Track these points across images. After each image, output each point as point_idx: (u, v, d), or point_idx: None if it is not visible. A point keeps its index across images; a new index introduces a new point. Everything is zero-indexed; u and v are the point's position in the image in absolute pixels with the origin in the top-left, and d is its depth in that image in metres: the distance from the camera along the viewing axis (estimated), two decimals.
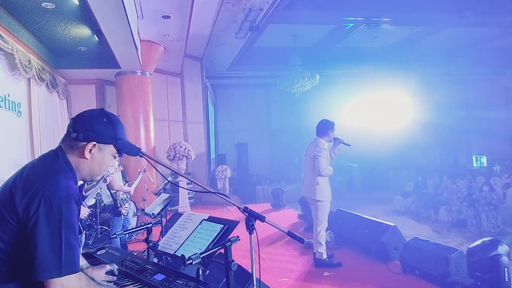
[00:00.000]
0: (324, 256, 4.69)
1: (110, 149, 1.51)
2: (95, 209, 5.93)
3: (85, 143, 1.44)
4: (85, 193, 3.81)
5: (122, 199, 4.89)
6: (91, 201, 4.24)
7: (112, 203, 4.86)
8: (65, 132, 1.52)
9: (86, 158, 1.45)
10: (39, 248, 1.26)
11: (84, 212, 3.62)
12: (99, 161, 1.50)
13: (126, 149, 1.55)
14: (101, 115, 1.51)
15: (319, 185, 4.62)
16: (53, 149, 1.50)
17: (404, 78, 13.16)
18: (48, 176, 1.37)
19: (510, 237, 6.02)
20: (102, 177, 4.13)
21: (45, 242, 1.27)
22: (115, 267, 1.75)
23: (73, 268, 1.31)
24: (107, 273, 1.72)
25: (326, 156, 4.63)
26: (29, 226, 1.29)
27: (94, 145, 1.45)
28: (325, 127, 4.74)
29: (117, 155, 1.56)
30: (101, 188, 4.37)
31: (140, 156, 1.65)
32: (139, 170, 5.96)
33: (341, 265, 4.69)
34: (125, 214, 4.93)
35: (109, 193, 4.83)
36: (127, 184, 5.65)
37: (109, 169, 4.11)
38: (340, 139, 4.75)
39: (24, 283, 1.35)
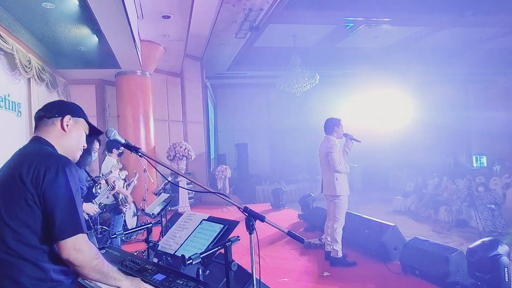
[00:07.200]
0: (340, 254, 4.69)
1: (83, 123, 1.68)
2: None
3: (61, 117, 1.61)
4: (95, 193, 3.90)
5: (122, 198, 4.95)
6: (103, 199, 4.34)
7: (114, 202, 4.91)
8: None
9: (65, 131, 1.61)
10: (57, 212, 1.37)
11: (93, 208, 3.68)
12: (75, 134, 1.65)
13: (92, 125, 1.73)
14: (65, 101, 1.80)
15: (338, 181, 4.67)
16: (30, 140, 1.60)
17: (404, 78, 13.17)
18: (42, 153, 1.50)
19: (510, 237, 6.02)
20: (110, 186, 4.24)
21: (60, 205, 1.38)
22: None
23: (84, 227, 1.43)
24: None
25: (338, 151, 4.70)
26: (41, 196, 1.38)
27: (70, 118, 1.62)
28: (331, 124, 4.84)
29: (87, 131, 1.71)
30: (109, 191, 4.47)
31: (140, 155, 1.69)
32: (134, 175, 5.93)
33: (356, 264, 4.68)
34: (125, 211, 4.99)
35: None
36: (125, 183, 5.68)
37: (118, 174, 4.18)
38: (350, 135, 4.85)
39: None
